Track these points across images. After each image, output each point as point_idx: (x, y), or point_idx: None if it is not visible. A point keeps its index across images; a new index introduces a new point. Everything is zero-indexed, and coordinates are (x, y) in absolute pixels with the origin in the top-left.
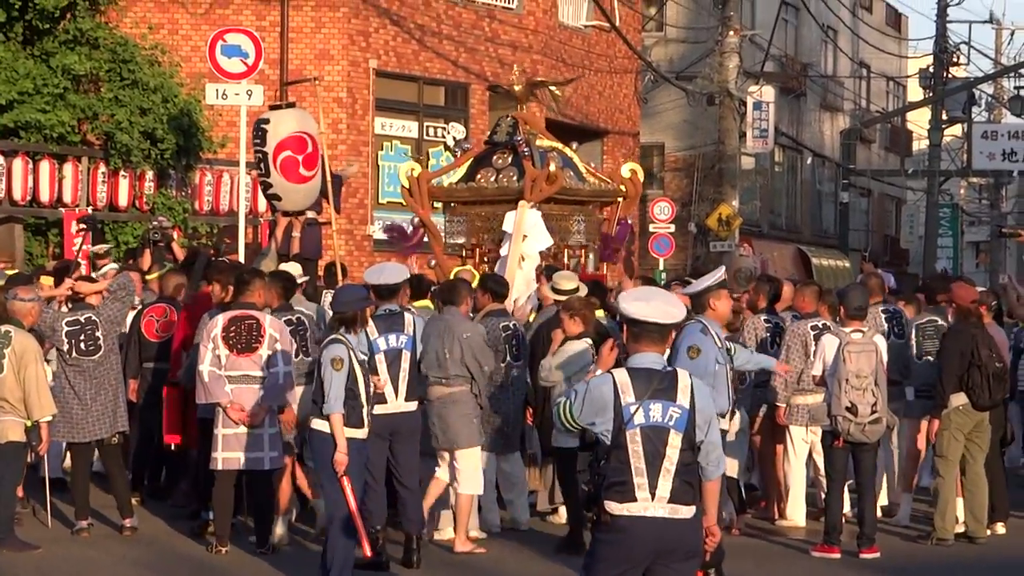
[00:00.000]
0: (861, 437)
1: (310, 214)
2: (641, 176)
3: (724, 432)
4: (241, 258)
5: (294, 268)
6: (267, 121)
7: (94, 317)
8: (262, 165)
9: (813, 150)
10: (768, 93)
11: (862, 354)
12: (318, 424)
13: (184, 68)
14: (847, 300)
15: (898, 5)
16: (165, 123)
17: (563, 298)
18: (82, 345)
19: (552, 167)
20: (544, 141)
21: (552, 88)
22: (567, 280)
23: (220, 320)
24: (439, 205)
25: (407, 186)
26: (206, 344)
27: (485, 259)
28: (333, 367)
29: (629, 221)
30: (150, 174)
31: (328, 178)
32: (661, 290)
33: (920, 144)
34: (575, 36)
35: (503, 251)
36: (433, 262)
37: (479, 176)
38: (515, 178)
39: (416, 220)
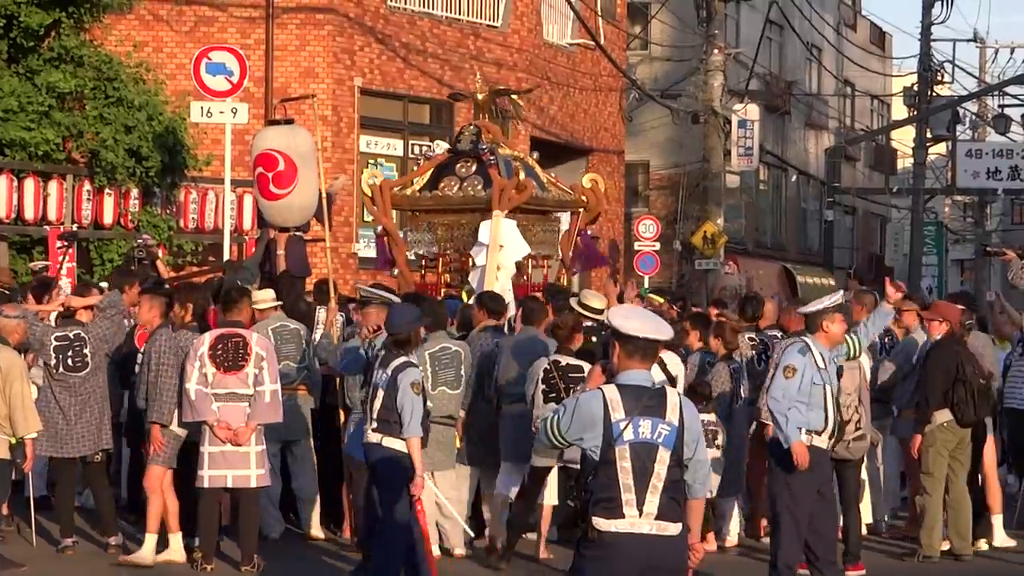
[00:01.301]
0: (845, 454)
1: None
2: (602, 187)
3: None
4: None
5: (266, 293)
6: (253, 138)
7: (83, 334)
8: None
9: (798, 168)
10: (753, 111)
11: (846, 372)
12: (391, 443)
13: (169, 86)
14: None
15: (882, 24)
16: (150, 141)
17: (595, 316)
18: (69, 361)
19: (521, 176)
20: (506, 150)
21: (514, 96)
22: (596, 299)
23: (207, 338)
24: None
25: (369, 195)
26: (192, 362)
27: (449, 268)
28: (412, 390)
29: (590, 232)
30: (135, 192)
31: (323, 194)
32: (648, 312)
33: (905, 162)
34: (560, 54)
35: (479, 260)
36: (396, 271)
37: (442, 184)
38: (480, 187)
39: (379, 229)
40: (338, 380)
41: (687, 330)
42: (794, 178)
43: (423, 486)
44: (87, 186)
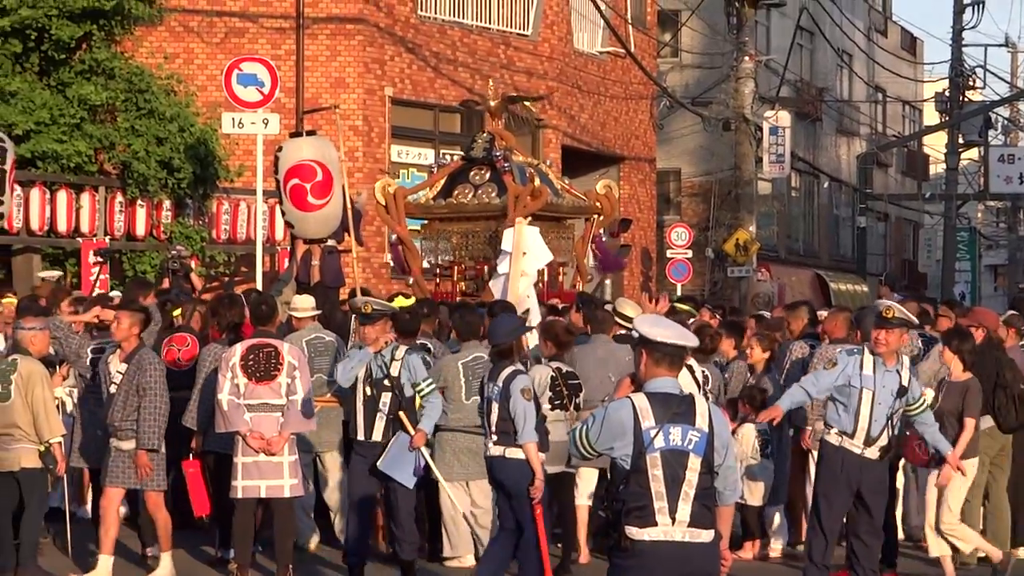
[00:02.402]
0: None
1: (330, 242)
2: (617, 193)
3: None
4: (259, 286)
5: (306, 300)
6: (281, 149)
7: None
8: (278, 192)
9: (830, 175)
10: (784, 118)
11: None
12: (514, 454)
13: (200, 97)
14: (864, 325)
15: (913, 29)
16: (182, 152)
17: (630, 325)
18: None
19: (536, 182)
20: (520, 157)
21: (527, 103)
22: (630, 307)
23: (238, 349)
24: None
25: (383, 203)
26: (224, 373)
27: (464, 276)
28: (524, 397)
29: (604, 238)
30: (167, 203)
31: (349, 208)
32: (672, 322)
33: (937, 168)
34: (590, 62)
35: (501, 268)
36: (412, 280)
37: (456, 192)
38: (495, 194)
39: (393, 237)
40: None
41: (721, 338)
42: (826, 184)
43: (542, 489)
44: (119, 198)
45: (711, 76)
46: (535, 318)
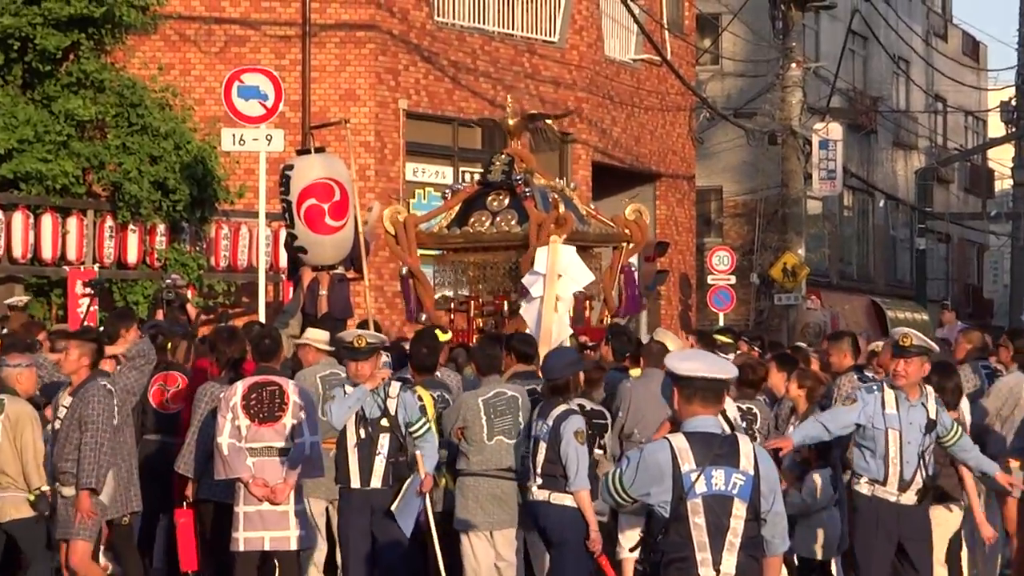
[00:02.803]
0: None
1: (339, 269)
2: (647, 218)
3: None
4: (262, 318)
5: (321, 333)
6: (291, 167)
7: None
8: (287, 215)
9: (886, 192)
10: (835, 130)
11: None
12: (560, 499)
13: (198, 112)
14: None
15: (976, 33)
16: (177, 172)
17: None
18: None
19: (561, 209)
20: (542, 180)
21: (548, 122)
22: (670, 340)
23: (239, 387)
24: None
25: (392, 232)
26: (224, 414)
27: (482, 312)
28: (576, 440)
29: (633, 268)
30: (161, 228)
31: (360, 231)
32: (706, 353)
33: (1003, 184)
34: (623, 71)
35: (534, 291)
36: (424, 316)
37: (472, 220)
38: (515, 221)
39: (404, 270)
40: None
41: (773, 373)
42: (881, 203)
43: (601, 540)
44: (109, 222)
45: (755, 85)
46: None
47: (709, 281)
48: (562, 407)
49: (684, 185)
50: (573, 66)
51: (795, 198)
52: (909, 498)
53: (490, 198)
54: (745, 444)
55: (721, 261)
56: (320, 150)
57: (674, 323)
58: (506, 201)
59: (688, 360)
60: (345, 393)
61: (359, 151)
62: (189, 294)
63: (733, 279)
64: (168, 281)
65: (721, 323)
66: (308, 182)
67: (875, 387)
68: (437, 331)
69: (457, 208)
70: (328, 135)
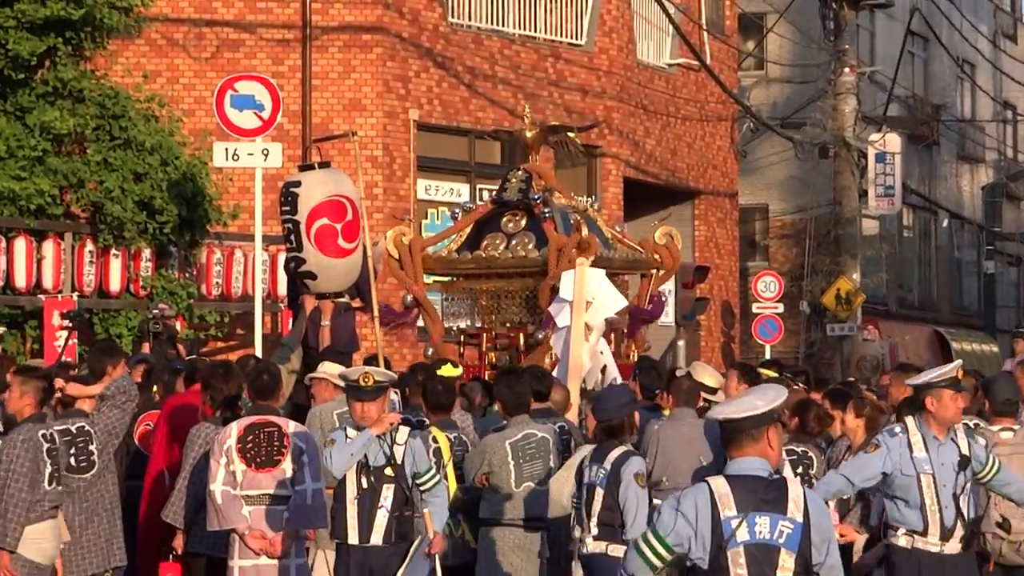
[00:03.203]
0: (1016, 559)
1: (345, 297)
2: (679, 243)
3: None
4: (258, 351)
5: (337, 368)
6: (297, 184)
7: (87, 427)
8: (292, 237)
9: (949, 210)
10: (893, 142)
11: (1013, 457)
12: (618, 551)
13: (187, 124)
14: (992, 393)
15: None
16: (164, 190)
17: (708, 397)
18: (72, 460)
19: (584, 231)
20: (563, 199)
21: (570, 135)
22: (709, 375)
23: (234, 429)
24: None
25: (396, 256)
26: (218, 458)
27: (495, 345)
28: (637, 483)
29: (664, 298)
30: (147, 252)
31: (369, 255)
32: (757, 387)
33: None
34: (657, 77)
35: (561, 321)
36: (431, 351)
37: (485, 243)
38: (532, 245)
39: (409, 298)
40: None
41: (828, 412)
42: (945, 223)
43: None
44: (89, 246)
45: (804, 92)
46: (616, 376)
47: (754, 310)
48: (620, 449)
49: (726, 203)
50: (602, 72)
51: (849, 217)
52: (953, 547)
53: (505, 219)
54: (794, 488)
55: (767, 287)
56: (325, 165)
57: (715, 356)
58: (523, 222)
59: (735, 406)
60: (348, 438)
61: (366, 167)
62: (178, 326)
63: (780, 307)
64: (155, 312)
65: (767, 356)
66: (319, 200)
67: (898, 429)
68: (448, 366)
69: (468, 230)
70: (331, 149)
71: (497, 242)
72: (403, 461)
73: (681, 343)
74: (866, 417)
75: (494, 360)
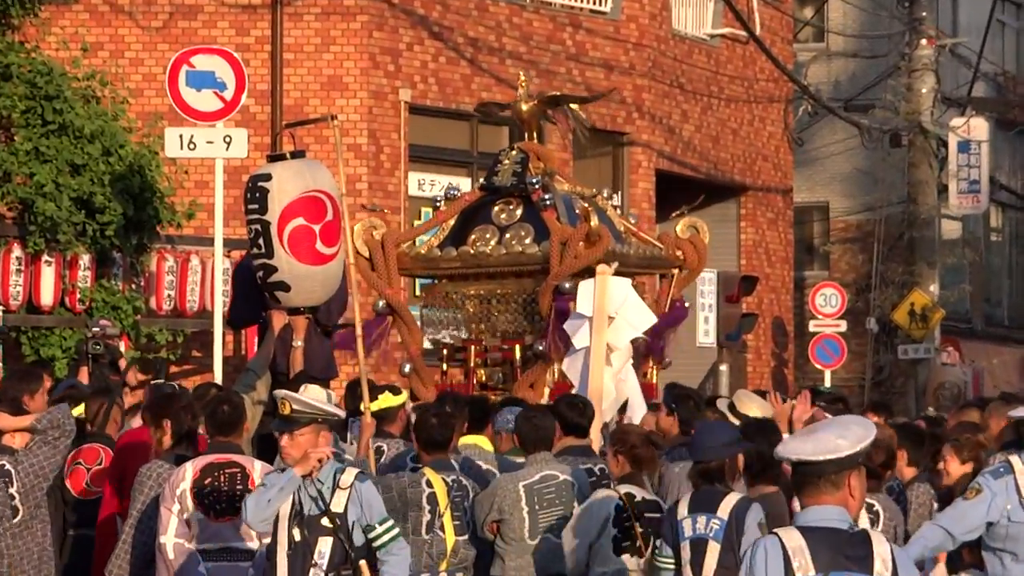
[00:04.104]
0: None
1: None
2: (706, 237)
3: None
4: (217, 378)
5: (318, 392)
6: (267, 177)
7: (8, 467)
8: (261, 241)
9: None
10: (979, 128)
11: None
12: None
13: (133, 106)
14: None
15: None
16: (107, 185)
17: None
18: None
19: (594, 221)
20: (565, 184)
21: (573, 107)
22: (755, 405)
23: (189, 470)
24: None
25: (366, 254)
26: (169, 505)
27: (485, 361)
28: (762, 533)
29: (687, 304)
30: (85, 259)
31: (350, 262)
32: (837, 419)
33: None
34: (696, 50)
35: (578, 342)
36: (408, 367)
37: (472, 238)
38: (530, 239)
39: (381, 304)
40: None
41: (894, 451)
42: None
43: None
44: (16, 251)
45: (872, 69)
46: (639, 412)
47: (811, 328)
48: (736, 496)
49: (778, 201)
50: (631, 44)
51: (926, 218)
52: None
53: (497, 208)
54: (880, 543)
55: (827, 301)
56: (299, 155)
57: (764, 382)
58: (518, 212)
59: (795, 442)
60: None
61: (347, 157)
62: (122, 346)
63: (843, 325)
64: (95, 330)
65: (827, 383)
66: (293, 196)
67: (1002, 469)
68: (387, 394)
69: (452, 222)
70: (306, 136)
71: (487, 236)
72: (346, 509)
73: (724, 368)
74: (974, 460)
75: (484, 379)
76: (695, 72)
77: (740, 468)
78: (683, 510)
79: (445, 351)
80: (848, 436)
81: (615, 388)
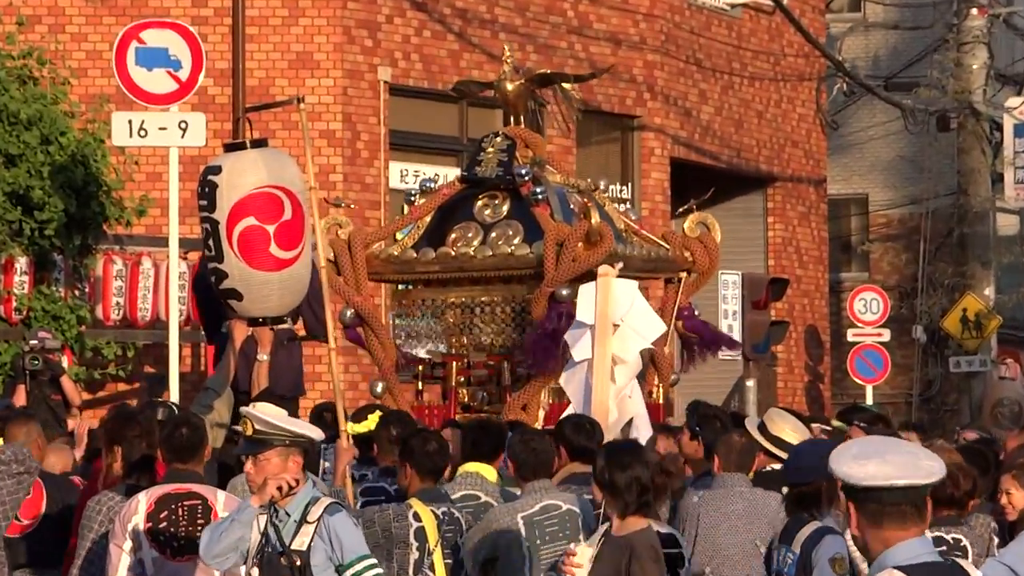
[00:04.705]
0: None
1: (288, 323)
2: (718, 236)
3: None
4: (173, 396)
5: (273, 410)
6: (217, 170)
7: None
8: (211, 242)
9: None
10: None
11: None
12: None
13: (76, 88)
14: None
15: None
16: (46, 178)
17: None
18: None
19: (595, 218)
20: (559, 176)
21: (566, 86)
22: (790, 428)
23: (142, 502)
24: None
25: (331, 257)
26: (120, 542)
27: (468, 380)
28: (835, 571)
29: (696, 311)
30: (22, 262)
31: (321, 265)
32: (888, 439)
33: None
34: (715, 23)
35: (578, 354)
36: (381, 387)
37: (453, 237)
38: (520, 239)
39: (348, 314)
40: None
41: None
42: None
43: None
44: None
45: (916, 42)
46: (644, 435)
47: (850, 337)
48: (813, 526)
49: (810, 193)
50: (641, 15)
51: (979, 212)
52: None
53: (480, 204)
54: (976, 573)
55: (868, 307)
56: (260, 143)
57: (797, 399)
58: (504, 208)
59: (864, 461)
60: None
61: (319, 145)
62: (64, 361)
63: (886, 334)
64: (33, 342)
65: (869, 400)
66: (244, 192)
67: None
68: (378, 412)
69: (429, 219)
70: (272, 121)
71: (470, 235)
72: (309, 548)
73: (751, 383)
74: None
75: (466, 399)
76: (714, 46)
77: (840, 494)
78: (775, 540)
79: (419, 368)
80: (930, 456)
81: (617, 407)
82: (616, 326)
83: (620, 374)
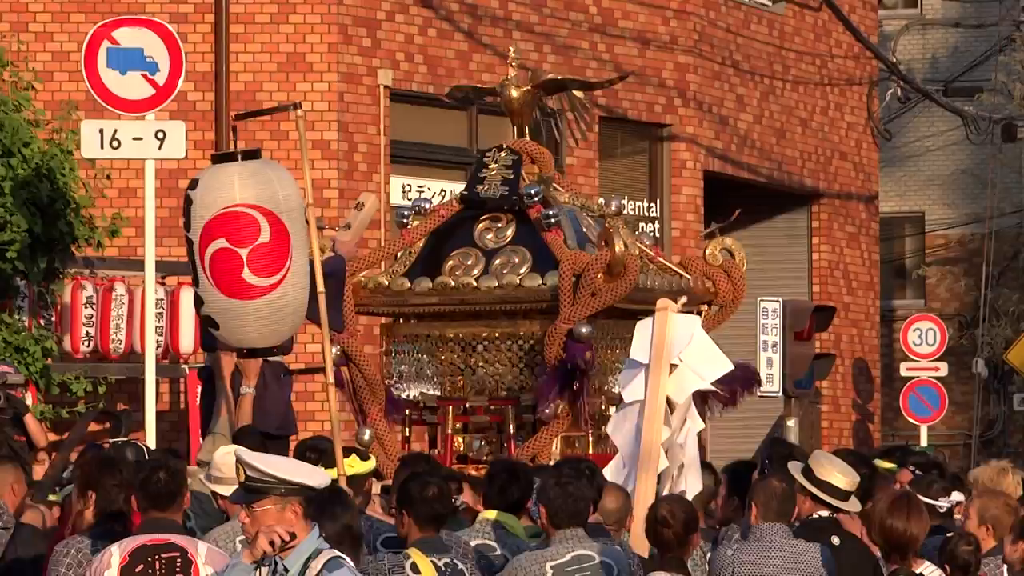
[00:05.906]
0: None
1: (278, 356)
2: (743, 263)
3: None
4: (149, 437)
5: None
6: (195, 184)
7: None
8: (192, 263)
9: None
10: None
11: None
12: None
13: (42, 93)
14: None
15: None
16: (7, 194)
17: (837, 503)
18: None
19: (619, 246)
20: (564, 194)
21: (576, 93)
22: (838, 472)
23: (116, 553)
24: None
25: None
26: None
27: (467, 427)
28: None
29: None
30: None
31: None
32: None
33: None
34: (754, 20)
35: (629, 395)
36: (368, 434)
37: (450, 265)
38: (527, 268)
39: (336, 351)
40: None
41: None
42: None
43: None
44: None
45: (978, 42)
46: (693, 487)
47: (904, 372)
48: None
49: (860, 210)
50: (672, 12)
51: None
52: None
53: (481, 227)
54: None
55: (923, 338)
56: (252, 155)
57: (845, 438)
58: (508, 232)
59: None
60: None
61: (313, 156)
62: (29, 398)
63: (944, 368)
64: None
65: (924, 442)
66: (216, 211)
67: None
68: (352, 456)
69: (421, 244)
70: (260, 130)
71: (469, 263)
72: None
73: (792, 422)
74: None
75: (462, 447)
76: (753, 47)
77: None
78: None
79: (408, 411)
80: None
81: (669, 453)
82: (674, 366)
83: (674, 418)
